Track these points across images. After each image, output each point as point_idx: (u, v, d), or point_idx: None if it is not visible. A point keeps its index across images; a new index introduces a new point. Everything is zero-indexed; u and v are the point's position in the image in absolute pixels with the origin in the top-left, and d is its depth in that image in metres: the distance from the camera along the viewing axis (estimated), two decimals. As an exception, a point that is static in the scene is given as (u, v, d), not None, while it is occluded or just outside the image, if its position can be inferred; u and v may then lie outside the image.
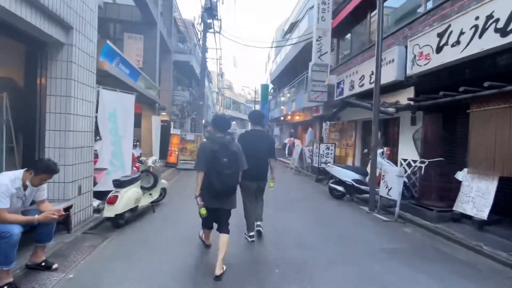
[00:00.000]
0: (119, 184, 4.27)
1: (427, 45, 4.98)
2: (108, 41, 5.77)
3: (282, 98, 18.14)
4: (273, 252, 3.42)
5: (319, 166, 8.72)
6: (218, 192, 2.71)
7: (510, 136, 3.73)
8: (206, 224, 3.12)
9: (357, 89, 7.39)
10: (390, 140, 7.32)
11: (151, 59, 10.98)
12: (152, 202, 5.15)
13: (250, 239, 3.64)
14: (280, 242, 3.73)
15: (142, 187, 5.08)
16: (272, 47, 18.69)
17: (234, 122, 49.95)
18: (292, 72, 16.13)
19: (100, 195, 4.67)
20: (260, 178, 3.64)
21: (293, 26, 15.14)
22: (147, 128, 10.84)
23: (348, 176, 6.15)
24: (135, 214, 4.60)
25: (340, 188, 6.27)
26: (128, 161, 5.06)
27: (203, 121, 21.78)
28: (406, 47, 5.71)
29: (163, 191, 5.63)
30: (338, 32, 9.39)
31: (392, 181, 5.03)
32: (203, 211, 2.73)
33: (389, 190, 5.09)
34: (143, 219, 4.56)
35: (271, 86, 23.12)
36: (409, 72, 5.46)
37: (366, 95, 7.17)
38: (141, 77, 8.67)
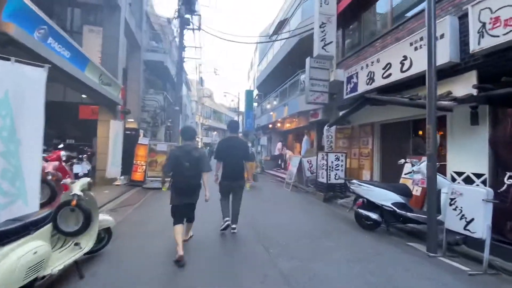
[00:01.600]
0: (-9, 239, 2.08)
1: (509, 5, 3.39)
2: (18, -7, 3.58)
3: (268, 106, 16.43)
4: None
5: (328, 182, 6.88)
6: (182, 190, 3.30)
7: None
8: (177, 219, 3.33)
9: (380, 82, 5.74)
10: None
11: (112, 50, 8.76)
12: (87, 254, 3.00)
13: (223, 226, 4.00)
14: None
15: (62, 233, 2.88)
16: (260, 42, 17.06)
17: (215, 133, 47.79)
18: (282, 74, 14.53)
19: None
20: (236, 178, 4.08)
21: (281, 24, 13.67)
22: (105, 137, 8.45)
23: (388, 198, 4.31)
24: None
25: (374, 215, 4.40)
26: (34, 185, 2.82)
27: (181, 131, 19.36)
28: (461, 17, 4.14)
29: (106, 233, 3.43)
30: (343, 20, 7.86)
31: (472, 208, 3.24)
32: (165, 187, 3.71)
33: (467, 222, 3.28)
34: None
35: (256, 92, 21.46)
36: (474, 47, 3.84)
37: (393, 88, 5.53)
38: (91, 66, 6.42)
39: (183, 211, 3.36)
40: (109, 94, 7.89)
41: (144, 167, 8.91)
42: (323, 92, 8.92)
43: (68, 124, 10.90)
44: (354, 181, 4.77)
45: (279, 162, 12.87)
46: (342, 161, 7.01)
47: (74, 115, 10.24)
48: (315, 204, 6.79)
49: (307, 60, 8.73)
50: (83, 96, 8.20)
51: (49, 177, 3.79)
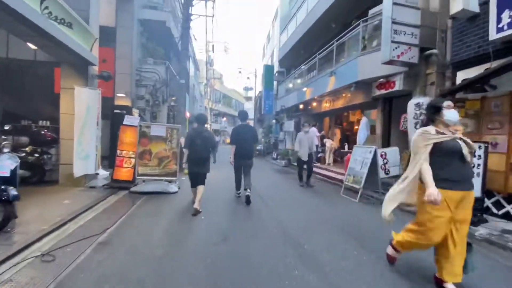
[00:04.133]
0: None
1: None
2: None
3: (298, 81, 13.07)
4: None
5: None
6: (195, 161, 4.33)
7: None
8: (193, 183, 4.48)
9: None
10: None
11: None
12: None
13: (237, 195, 5.30)
14: None
15: None
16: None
17: (224, 119, 44.60)
18: (319, 37, 11.11)
19: None
20: (247, 158, 5.12)
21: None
22: (71, 114, 5.45)
23: None
24: None
25: None
26: None
27: (188, 114, 16.15)
28: None
29: None
30: None
31: None
32: (186, 171, 4.62)
33: None
34: None
35: (276, 68, 18.00)
36: None
37: None
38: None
39: (196, 178, 4.45)
40: (71, 43, 4.79)
41: (132, 160, 5.92)
42: (412, 45, 5.61)
43: (42, 100, 8.05)
44: None
45: (318, 155, 9.69)
46: (480, 157, 3.81)
47: (49, 86, 7.34)
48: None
49: (388, -9, 5.38)
50: (31, 46, 5.12)
51: None
